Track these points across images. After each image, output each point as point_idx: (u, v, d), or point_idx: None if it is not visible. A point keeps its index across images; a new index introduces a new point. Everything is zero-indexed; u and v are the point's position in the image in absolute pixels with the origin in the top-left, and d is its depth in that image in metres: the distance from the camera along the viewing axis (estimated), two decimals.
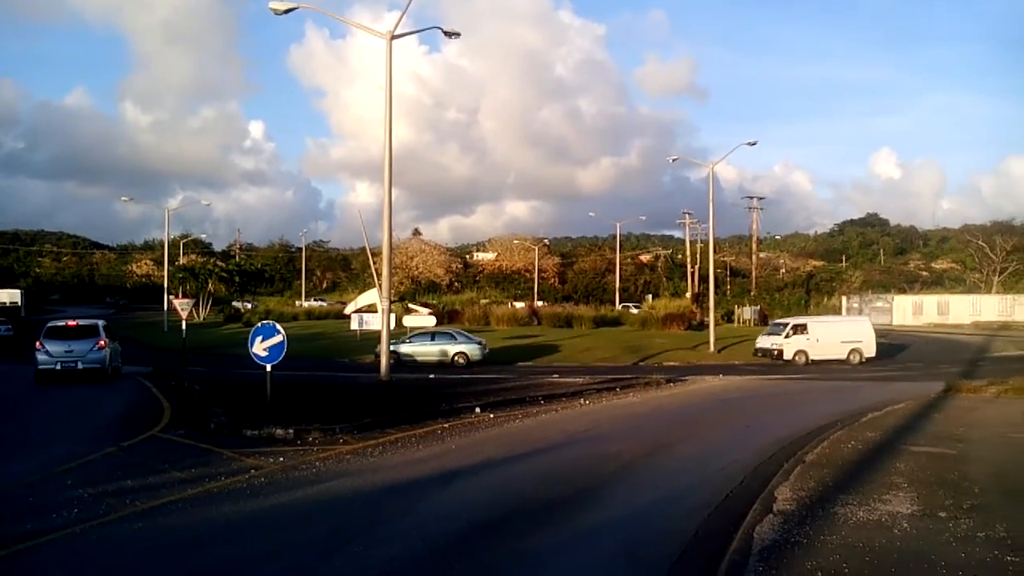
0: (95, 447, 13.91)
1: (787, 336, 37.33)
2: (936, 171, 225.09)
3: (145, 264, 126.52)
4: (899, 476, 11.06)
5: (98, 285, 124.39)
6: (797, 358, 36.39)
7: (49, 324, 27.59)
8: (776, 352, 37.09)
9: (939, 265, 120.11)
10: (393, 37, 24.59)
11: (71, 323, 28.03)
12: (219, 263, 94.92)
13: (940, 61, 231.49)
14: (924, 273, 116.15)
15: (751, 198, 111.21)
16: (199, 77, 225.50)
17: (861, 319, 45.79)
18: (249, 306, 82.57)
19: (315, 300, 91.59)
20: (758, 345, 39.15)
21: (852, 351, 37.29)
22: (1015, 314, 75.43)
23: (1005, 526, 8.41)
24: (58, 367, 25.29)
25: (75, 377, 25.22)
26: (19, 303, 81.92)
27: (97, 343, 26.22)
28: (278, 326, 17.86)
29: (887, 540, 7.99)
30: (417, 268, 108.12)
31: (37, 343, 25.99)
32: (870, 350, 37.81)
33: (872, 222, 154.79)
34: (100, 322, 28.86)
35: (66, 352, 25.58)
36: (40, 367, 25.33)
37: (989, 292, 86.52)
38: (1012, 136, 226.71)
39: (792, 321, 39.97)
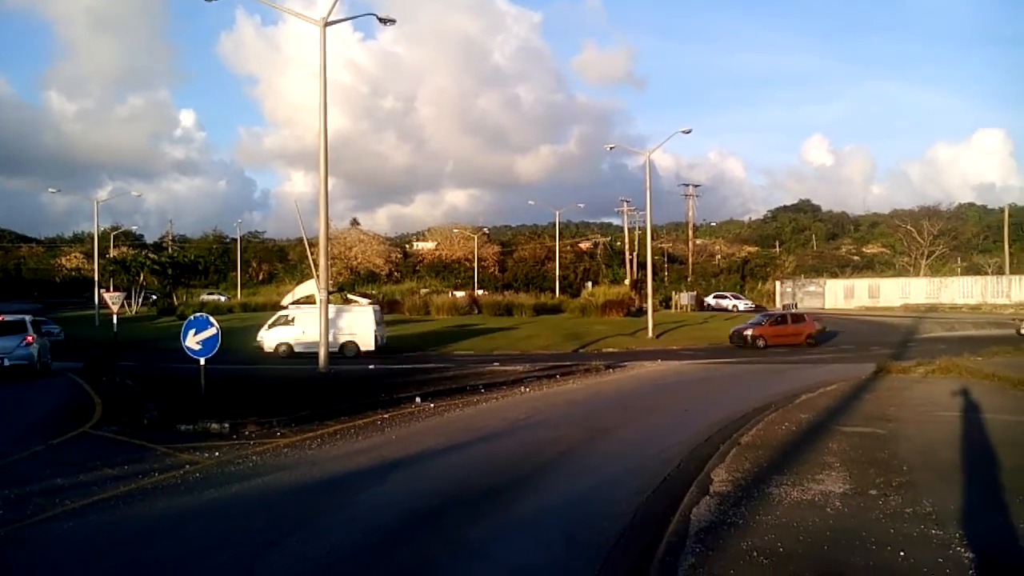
0: (22, 446, 13.49)
1: None
2: (866, 158, 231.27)
3: (75, 257, 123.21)
4: (832, 456, 11.30)
5: (26, 280, 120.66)
6: None
7: None
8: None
9: (870, 250, 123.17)
10: (327, 24, 24.31)
11: None
12: (151, 255, 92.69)
13: (870, 51, 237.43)
14: (855, 257, 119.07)
15: (687, 185, 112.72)
16: (127, 65, 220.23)
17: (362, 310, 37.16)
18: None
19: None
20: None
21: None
22: (942, 296, 77.76)
23: (931, 501, 8.65)
24: None
25: (1, 374, 24.45)
26: None
27: (24, 339, 25.45)
28: (212, 319, 17.53)
29: (820, 519, 8.16)
30: (356, 258, 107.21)
31: None
32: (366, 343, 34.76)
33: (805, 208, 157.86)
34: (27, 317, 28.05)
35: None
36: None
37: (918, 275, 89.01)
38: (939, 124, 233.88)
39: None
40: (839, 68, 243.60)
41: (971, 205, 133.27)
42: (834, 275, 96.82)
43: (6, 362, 24.72)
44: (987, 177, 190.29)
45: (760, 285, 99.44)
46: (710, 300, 79.91)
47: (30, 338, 25.69)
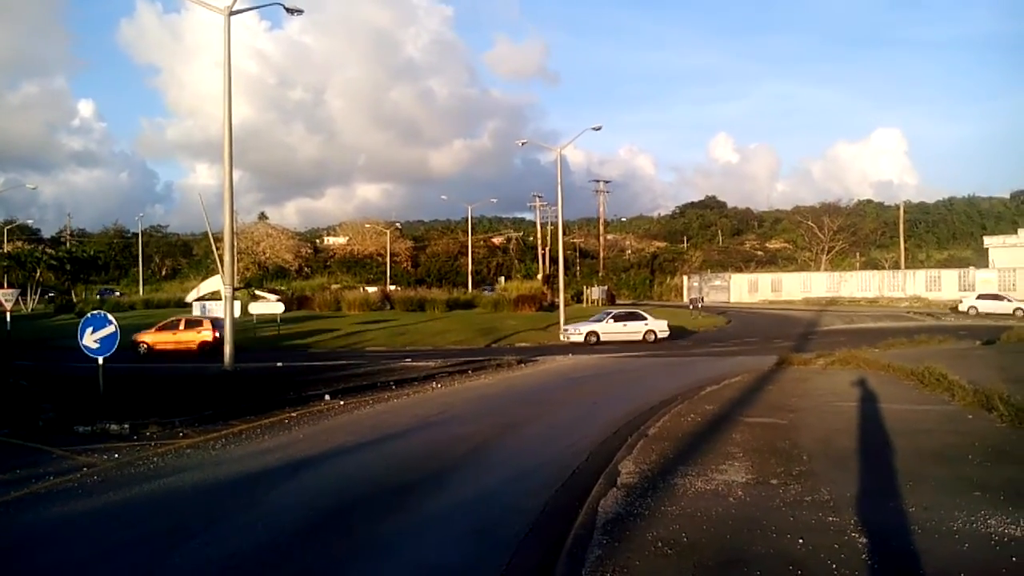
0: None
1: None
2: (770, 156, 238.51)
3: None
4: (735, 446, 11.58)
5: None
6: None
7: None
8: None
9: (773, 245, 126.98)
10: (231, 12, 23.72)
11: None
12: (48, 250, 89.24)
13: (772, 50, 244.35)
14: (759, 253, 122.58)
15: (598, 181, 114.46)
16: (19, 51, 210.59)
17: None
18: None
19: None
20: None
21: None
22: (841, 290, 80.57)
23: (829, 490, 8.94)
24: None
25: None
26: None
27: None
28: (110, 316, 16.94)
29: (723, 508, 8.35)
30: (264, 253, 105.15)
31: None
32: None
33: (711, 204, 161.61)
34: None
35: None
36: None
37: (818, 270, 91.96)
38: (839, 123, 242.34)
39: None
40: (743, 67, 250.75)
41: (869, 202, 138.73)
42: (739, 269, 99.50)
43: None
44: (885, 175, 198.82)
45: (668, 280, 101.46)
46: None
47: None
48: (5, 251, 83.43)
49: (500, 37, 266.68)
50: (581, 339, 37.23)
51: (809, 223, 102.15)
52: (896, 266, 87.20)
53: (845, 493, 8.81)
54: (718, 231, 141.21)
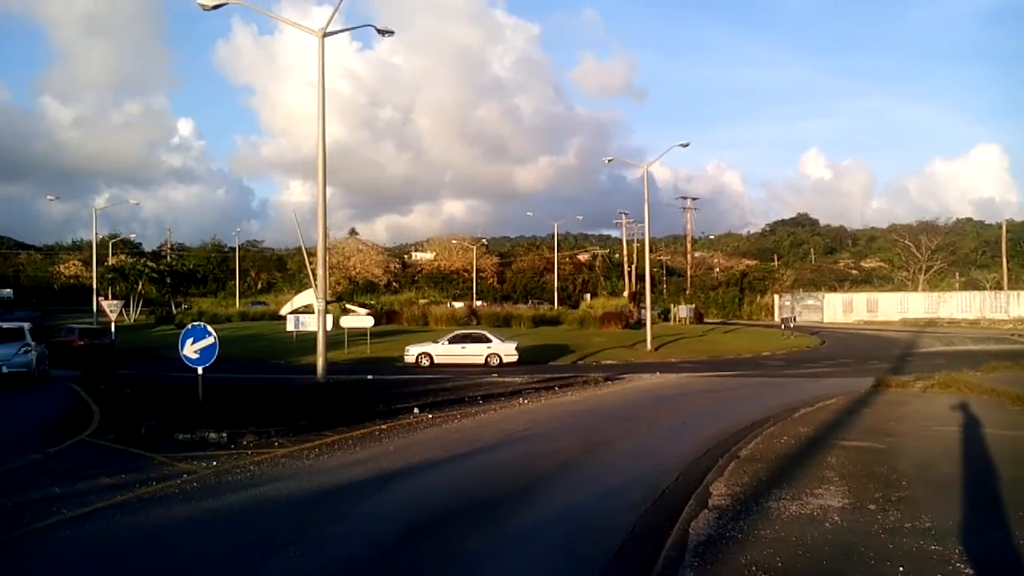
0: (19, 454, 13.44)
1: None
2: (864, 172, 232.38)
3: (73, 265, 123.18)
4: (830, 470, 11.27)
5: (24, 287, 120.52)
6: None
7: None
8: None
9: (868, 264, 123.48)
10: (325, 34, 24.33)
11: None
12: (150, 263, 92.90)
13: (865, 66, 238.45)
14: (854, 272, 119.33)
15: (685, 198, 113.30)
16: (123, 72, 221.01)
17: None
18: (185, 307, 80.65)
19: (253, 304, 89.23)
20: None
21: None
22: (940, 311, 77.90)
23: (930, 517, 8.62)
24: None
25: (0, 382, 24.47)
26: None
27: (23, 346, 25.56)
28: (209, 328, 17.53)
29: (819, 533, 8.13)
30: (354, 268, 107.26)
31: None
32: None
33: (803, 222, 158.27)
34: (26, 324, 28.14)
35: None
36: None
37: (916, 290, 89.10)
38: (937, 139, 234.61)
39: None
40: (835, 83, 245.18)
41: (969, 220, 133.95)
42: (832, 289, 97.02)
43: (4, 369, 24.68)
44: (985, 192, 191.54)
45: (758, 299, 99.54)
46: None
47: (28, 346, 25.77)
48: (110, 264, 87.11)
49: (586, 55, 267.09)
50: (413, 360, 34.97)
51: (906, 242, 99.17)
52: (998, 287, 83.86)
53: (948, 521, 8.48)
54: (810, 249, 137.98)
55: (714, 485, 10.41)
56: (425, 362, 34.76)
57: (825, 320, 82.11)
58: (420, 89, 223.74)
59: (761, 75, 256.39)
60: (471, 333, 38.28)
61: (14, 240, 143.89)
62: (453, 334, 37.62)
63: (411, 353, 35.45)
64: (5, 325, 27.58)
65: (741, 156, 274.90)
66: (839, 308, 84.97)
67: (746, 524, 8.47)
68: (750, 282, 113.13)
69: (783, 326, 58.57)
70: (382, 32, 25.52)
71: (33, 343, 26.32)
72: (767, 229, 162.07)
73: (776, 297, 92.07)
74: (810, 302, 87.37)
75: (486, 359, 34.96)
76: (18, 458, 13.09)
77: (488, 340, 36.09)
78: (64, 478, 11.43)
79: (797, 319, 68.20)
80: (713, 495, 9.85)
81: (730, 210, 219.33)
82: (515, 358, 35.07)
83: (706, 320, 78.00)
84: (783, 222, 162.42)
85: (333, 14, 24.84)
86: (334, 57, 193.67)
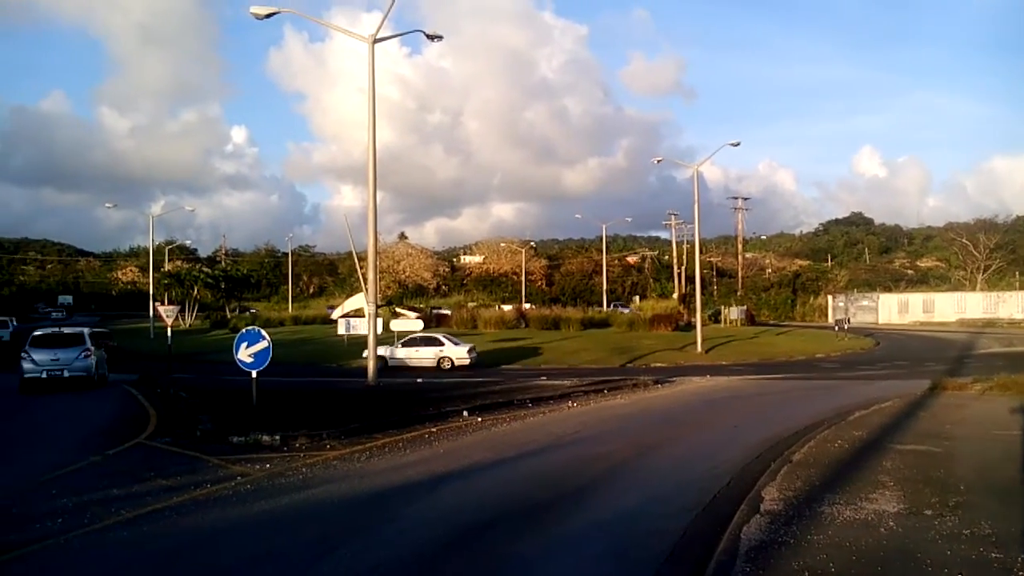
0: (80, 456, 13.80)
1: None
2: (920, 169, 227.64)
3: (130, 271, 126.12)
4: (885, 474, 11.08)
5: (83, 292, 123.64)
6: None
7: (35, 333, 27.55)
8: None
9: (924, 263, 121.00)
10: (375, 40, 24.57)
11: (58, 331, 28.08)
12: (205, 269, 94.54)
13: (918, 61, 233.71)
14: (909, 271, 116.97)
15: (736, 198, 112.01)
16: (178, 81, 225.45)
17: None
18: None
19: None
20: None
21: None
22: (999, 311, 76.06)
23: (990, 523, 8.43)
24: (44, 375, 25.32)
25: (61, 385, 25.23)
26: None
27: (84, 351, 26.28)
28: (263, 332, 17.83)
29: (874, 539, 8.00)
30: (404, 272, 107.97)
31: (23, 352, 25.98)
32: None
33: (857, 221, 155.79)
34: (86, 330, 29.08)
35: (52, 360, 25.55)
36: (26, 375, 25.39)
37: (974, 290, 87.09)
38: (996, 136, 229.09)
39: None
40: (887, 78, 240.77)
41: None
42: (887, 289, 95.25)
43: (66, 373, 25.46)
44: None
45: (811, 300, 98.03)
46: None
47: (88, 350, 26.48)
48: (166, 270, 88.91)
49: (635, 54, 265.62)
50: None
51: (963, 240, 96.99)
52: None
53: (1009, 528, 8.29)
54: (865, 249, 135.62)
55: (766, 490, 10.30)
56: (381, 365, 35.02)
57: (880, 321, 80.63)
58: (469, 92, 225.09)
59: (813, 72, 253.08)
60: (424, 336, 38.33)
61: (74, 247, 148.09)
62: (407, 337, 37.84)
63: (363, 356, 35.85)
64: (67, 330, 28.49)
65: (793, 154, 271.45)
66: (894, 309, 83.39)
67: (799, 529, 8.37)
68: (803, 283, 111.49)
69: (837, 328, 57.59)
70: (431, 37, 25.72)
71: (93, 347, 27.06)
72: (820, 229, 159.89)
73: (830, 298, 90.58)
74: (864, 303, 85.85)
75: (438, 362, 35.44)
76: (79, 460, 13.43)
77: (440, 343, 36.41)
78: (122, 480, 11.71)
79: (851, 320, 67.01)
80: (765, 500, 9.75)
81: (782, 210, 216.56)
82: (467, 361, 35.43)
83: (758, 322, 77.00)
84: (837, 221, 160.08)
85: (383, 21, 25.14)
86: (384, 63, 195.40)
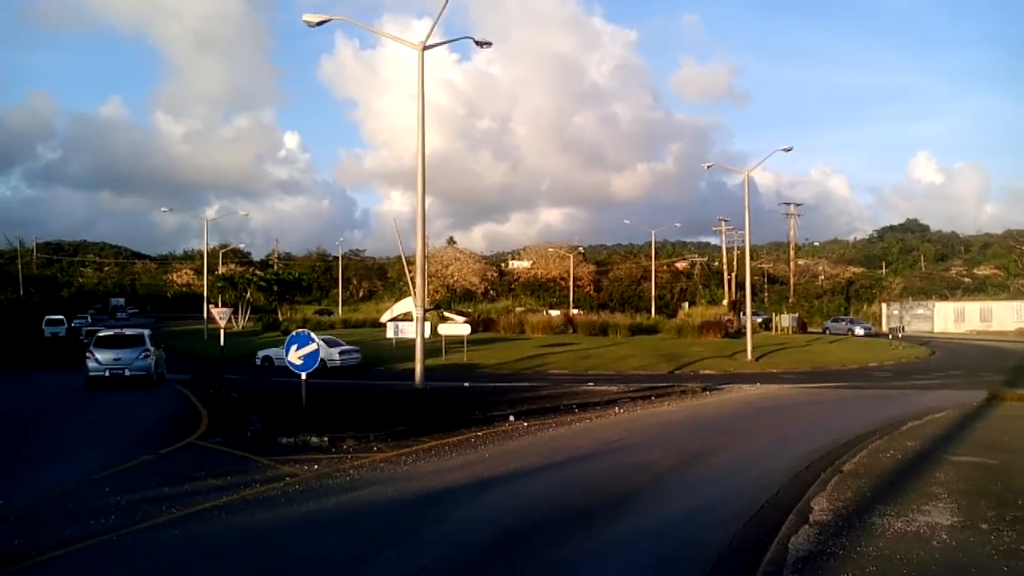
0: (134, 454, 14.12)
1: None
2: (978, 175, 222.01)
3: (185, 274, 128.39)
4: (939, 486, 10.85)
5: (140, 295, 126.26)
6: None
7: (99, 334, 29.23)
8: None
9: (982, 271, 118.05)
10: (425, 47, 24.75)
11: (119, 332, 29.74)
12: (258, 272, 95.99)
13: (975, 66, 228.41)
14: (966, 279, 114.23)
15: (788, 204, 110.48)
16: (232, 87, 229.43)
17: None
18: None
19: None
20: None
21: None
22: None
23: None
24: (107, 374, 26.80)
25: (123, 383, 26.67)
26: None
27: (143, 351, 27.75)
28: (312, 335, 18.06)
29: (926, 552, 7.84)
30: (452, 276, 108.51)
31: (87, 351, 27.61)
32: None
33: (912, 228, 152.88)
34: (146, 331, 30.72)
35: (114, 360, 27.20)
36: (90, 374, 26.86)
37: None
38: None
39: None
40: (944, 83, 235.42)
41: None
42: (944, 297, 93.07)
43: (126, 372, 26.95)
44: None
45: (865, 307, 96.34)
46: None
47: (148, 351, 27.89)
48: (220, 273, 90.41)
49: (686, 59, 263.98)
50: (259, 363, 37.61)
51: (1023, 248, 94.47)
52: None
53: None
54: (920, 256, 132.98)
55: (815, 500, 10.15)
56: (267, 365, 37.17)
57: (936, 330, 78.92)
58: (517, 98, 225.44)
59: (866, 77, 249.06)
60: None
61: (131, 250, 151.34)
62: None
63: (259, 357, 38.52)
64: (128, 332, 29.99)
65: (847, 160, 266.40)
66: (950, 317, 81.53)
67: (848, 540, 8.23)
68: (856, 290, 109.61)
69: (891, 336, 56.52)
70: (480, 44, 25.85)
71: (152, 348, 28.44)
72: (874, 235, 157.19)
73: (884, 306, 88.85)
74: (920, 311, 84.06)
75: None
76: (133, 458, 13.74)
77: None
78: (174, 478, 11.94)
79: (906, 329, 65.72)
80: (814, 510, 9.61)
81: (835, 216, 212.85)
82: (339, 362, 35.83)
83: (810, 330, 75.86)
84: (891, 228, 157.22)
85: (432, 27, 25.36)
86: (433, 69, 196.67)
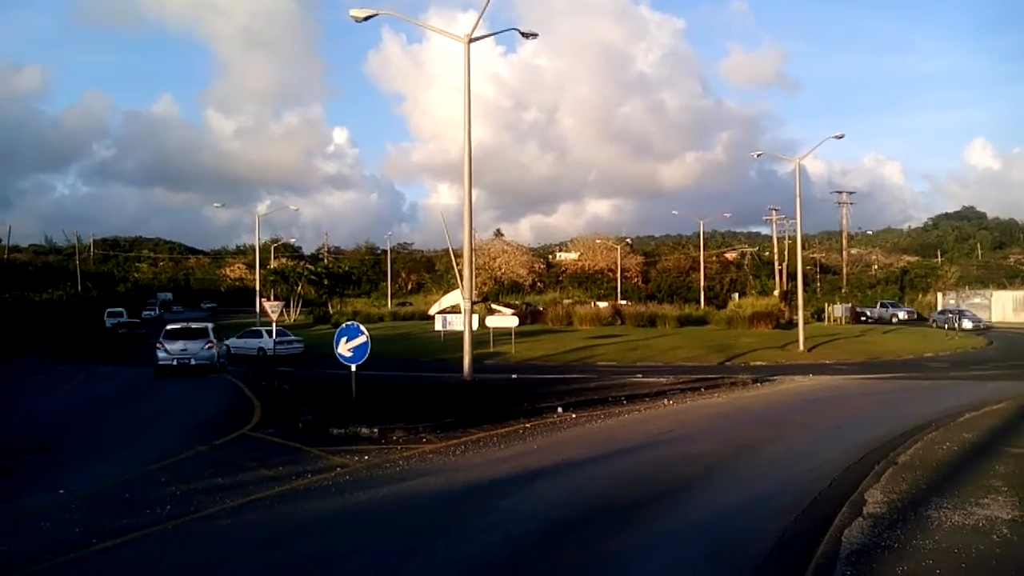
0: (189, 445, 14.43)
1: None
2: None
3: (238, 268, 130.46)
4: (998, 479, 10.60)
5: (194, 289, 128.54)
6: None
7: (168, 327, 31.39)
8: None
9: None
10: (471, 40, 24.70)
11: (187, 325, 32.16)
12: (308, 266, 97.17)
13: None
14: None
15: (840, 192, 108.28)
16: (280, 84, 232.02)
17: None
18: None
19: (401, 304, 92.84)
20: None
21: None
22: None
23: None
24: (175, 363, 29.33)
25: (188, 371, 28.87)
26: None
27: (208, 343, 30.14)
28: (362, 327, 18.23)
29: (984, 546, 7.66)
30: (499, 269, 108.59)
31: (157, 342, 30.27)
32: None
33: (968, 216, 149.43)
34: (210, 325, 32.82)
35: (181, 351, 29.63)
36: (160, 363, 29.47)
37: None
38: None
39: None
40: (1000, 67, 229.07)
41: None
42: (1001, 286, 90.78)
43: (192, 362, 29.40)
44: None
45: (920, 297, 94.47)
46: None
47: (212, 343, 30.19)
48: (272, 267, 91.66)
49: (734, 47, 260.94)
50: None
51: None
52: None
53: None
54: (977, 244, 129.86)
55: (869, 492, 9.98)
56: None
57: (994, 319, 77.00)
58: (564, 89, 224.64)
59: (919, 61, 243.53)
60: (252, 330, 43.17)
61: (184, 245, 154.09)
62: (243, 331, 43.31)
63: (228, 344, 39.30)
64: (194, 325, 32.18)
65: (900, 147, 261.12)
66: (1009, 306, 79.43)
67: (903, 534, 8.08)
68: (911, 280, 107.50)
69: (947, 326, 55.38)
70: (526, 35, 25.73)
71: (215, 340, 30.68)
72: (929, 224, 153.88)
73: (939, 295, 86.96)
74: (977, 300, 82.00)
75: (258, 351, 38.75)
76: (188, 449, 14.03)
77: (260, 336, 40.25)
78: (227, 469, 12.17)
79: (965, 316, 64.22)
80: (868, 503, 9.45)
81: (889, 204, 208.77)
82: (271, 352, 37.99)
83: (862, 319, 74.52)
84: (947, 216, 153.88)
85: (478, 20, 25.27)
86: (479, 62, 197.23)
